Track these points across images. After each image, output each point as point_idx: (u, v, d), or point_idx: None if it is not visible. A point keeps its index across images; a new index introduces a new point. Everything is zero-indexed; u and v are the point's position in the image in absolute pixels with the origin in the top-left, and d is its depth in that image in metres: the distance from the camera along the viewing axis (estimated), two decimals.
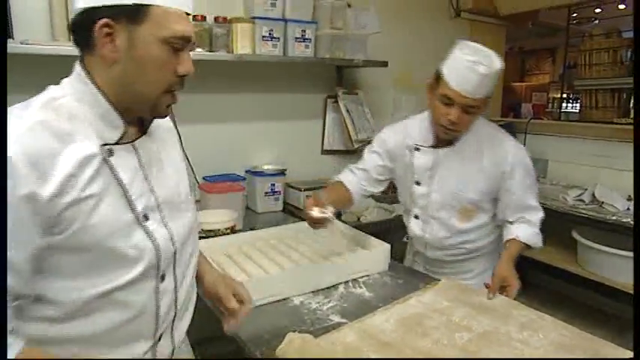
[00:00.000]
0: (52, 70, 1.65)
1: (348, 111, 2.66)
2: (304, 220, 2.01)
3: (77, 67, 0.81)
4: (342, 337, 1.08)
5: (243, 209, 2.15)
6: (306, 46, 2.28)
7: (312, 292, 1.39)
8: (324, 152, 2.79)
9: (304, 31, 2.26)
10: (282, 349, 0.99)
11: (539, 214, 1.56)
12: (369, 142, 2.72)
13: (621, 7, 3.16)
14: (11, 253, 0.69)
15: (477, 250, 1.65)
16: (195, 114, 2.30)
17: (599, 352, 1.01)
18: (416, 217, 1.65)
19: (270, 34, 2.15)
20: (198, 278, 1.09)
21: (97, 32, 0.75)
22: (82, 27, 0.77)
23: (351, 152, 2.82)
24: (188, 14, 0.83)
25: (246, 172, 2.44)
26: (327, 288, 1.41)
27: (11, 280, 0.70)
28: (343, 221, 2.05)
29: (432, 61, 3.16)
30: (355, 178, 1.69)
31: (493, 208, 1.60)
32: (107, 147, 0.79)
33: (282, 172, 2.44)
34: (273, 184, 2.41)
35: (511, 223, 1.56)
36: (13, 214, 0.68)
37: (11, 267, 0.70)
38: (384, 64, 2.56)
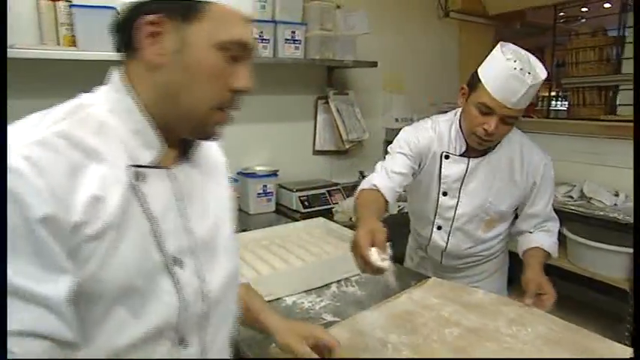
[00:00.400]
0: (40, 74, 1.65)
1: (338, 111, 2.67)
2: (296, 221, 2.02)
3: (114, 75, 0.69)
4: (335, 335, 1.08)
5: (235, 211, 2.15)
6: (296, 48, 2.29)
7: (305, 291, 1.39)
8: (316, 153, 2.80)
9: (294, 33, 2.27)
10: (275, 348, 0.99)
11: (558, 224, 1.55)
12: (360, 142, 2.77)
13: (607, 5, 3.21)
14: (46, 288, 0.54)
15: (491, 255, 1.63)
16: None
17: (588, 345, 1.03)
18: (439, 227, 1.56)
19: (260, 35, 2.16)
20: (268, 331, 0.96)
21: (141, 31, 0.63)
22: (125, 25, 0.65)
23: (343, 152, 2.84)
24: (250, 20, 0.71)
25: (238, 173, 2.45)
26: (320, 287, 1.42)
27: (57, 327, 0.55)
28: (335, 221, 2.06)
29: (422, 61, 3.22)
30: (391, 184, 1.44)
31: (513, 216, 1.57)
32: (137, 170, 0.65)
33: (274, 173, 2.45)
34: (266, 186, 2.41)
35: (530, 232, 1.53)
36: (32, 240, 0.54)
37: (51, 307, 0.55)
38: (374, 64, 2.58)
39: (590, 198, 2.21)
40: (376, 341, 1.05)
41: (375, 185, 1.42)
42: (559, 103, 4.83)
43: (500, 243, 1.61)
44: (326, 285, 1.44)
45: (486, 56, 1.36)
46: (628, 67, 2.72)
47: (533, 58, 1.28)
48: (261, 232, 1.78)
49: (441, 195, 1.51)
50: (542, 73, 1.25)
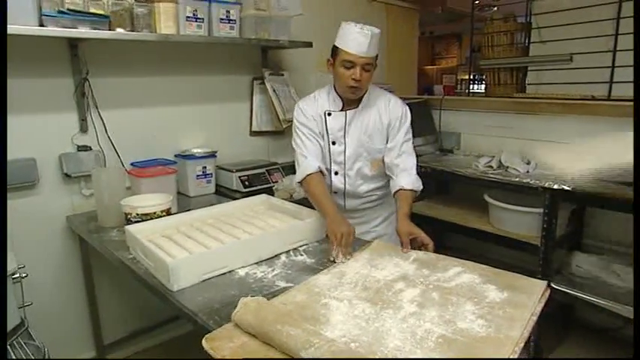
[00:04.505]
0: None
1: (275, 92, 2.70)
2: (236, 199, 2.04)
3: None
4: (292, 298, 1.14)
5: (175, 194, 2.11)
6: (231, 27, 2.27)
7: (256, 263, 1.44)
8: (253, 133, 2.80)
9: (228, 12, 2.25)
10: (238, 313, 1.01)
11: (414, 159, 1.84)
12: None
13: None
14: None
15: (383, 197, 1.96)
16: (119, 98, 2.21)
17: (513, 282, 1.19)
18: (336, 173, 1.90)
19: (194, 14, 2.11)
20: None
21: None
22: None
23: (279, 132, 2.87)
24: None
25: (176, 156, 2.40)
26: (270, 258, 1.47)
27: None
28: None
29: None
30: (323, 163, 1.81)
31: None
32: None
33: (213, 155, 2.44)
34: (205, 167, 2.39)
35: (393, 176, 1.80)
36: None
37: None
38: (309, 44, 2.62)
39: (507, 167, 2.45)
40: (333, 298, 1.12)
41: (319, 167, 1.75)
42: (476, 86, 5.21)
43: (384, 180, 1.91)
44: (276, 256, 1.49)
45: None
46: (535, 50, 3.02)
47: (366, 24, 1.68)
48: (205, 211, 1.79)
49: (331, 144, 1.85)
50: (376, 28, 1.67)
